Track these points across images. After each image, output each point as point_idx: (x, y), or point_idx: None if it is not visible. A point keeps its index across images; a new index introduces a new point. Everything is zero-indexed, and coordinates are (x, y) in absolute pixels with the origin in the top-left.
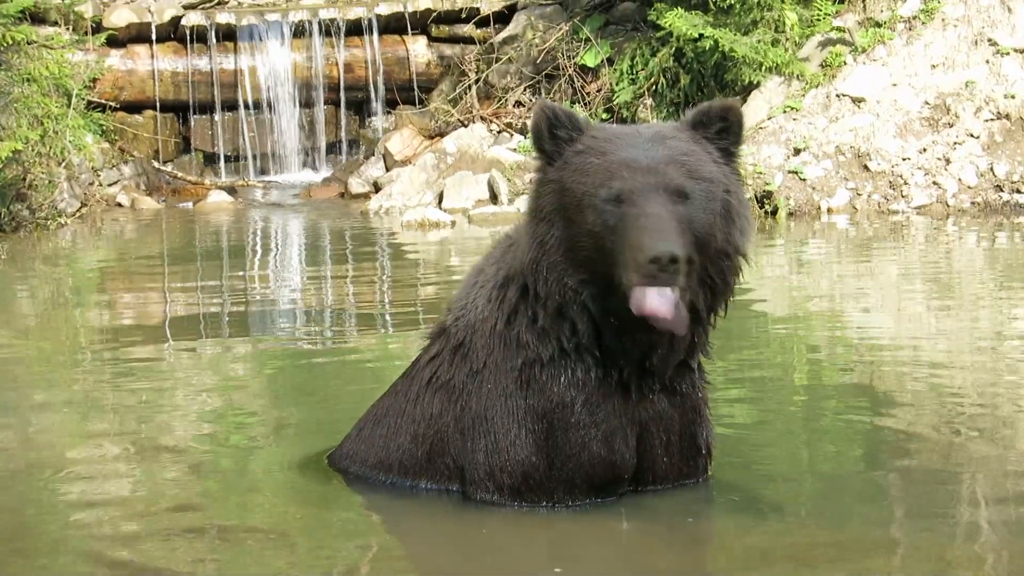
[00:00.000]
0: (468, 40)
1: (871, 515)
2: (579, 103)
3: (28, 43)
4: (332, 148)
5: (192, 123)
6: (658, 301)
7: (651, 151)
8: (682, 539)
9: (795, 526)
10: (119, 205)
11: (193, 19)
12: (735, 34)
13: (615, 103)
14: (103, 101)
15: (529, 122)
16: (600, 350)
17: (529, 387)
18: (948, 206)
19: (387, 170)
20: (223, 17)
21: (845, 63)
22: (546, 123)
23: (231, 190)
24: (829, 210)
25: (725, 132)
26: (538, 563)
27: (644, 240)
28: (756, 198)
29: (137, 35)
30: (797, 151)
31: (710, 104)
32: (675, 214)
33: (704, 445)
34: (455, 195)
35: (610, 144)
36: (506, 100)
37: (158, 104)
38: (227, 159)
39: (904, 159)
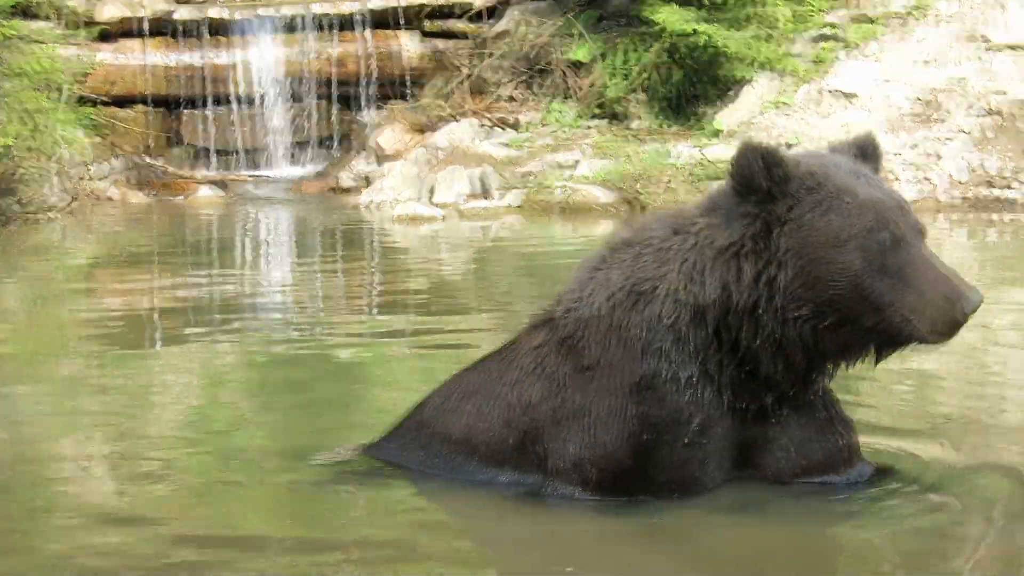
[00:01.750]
0: (460, 35)
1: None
2: (571, 98)
3: (19, 38)
4: (323, 143)
5: (182, 117)
6: None
7: (886, 188)
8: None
9: (814, 529)
10: (109, 199)
11: (184, 14)
12: (727, 29)
13: (607, 98)
14: (93, 95)
15: (733, 161)
16: (741, 378)
17: (647, 395)
18: (938, 201)
19: (378, 165)
20: (214, 12)
21: (837, 59)
22: (761, 162)
23: (221, 184)
24: None
25: (876, 163)
26: (550, 561)
27: (961, 288)
28: None
29: (128, 29)
30: (788, 146)
31: (870, 135)
32: None
33: (838, 441)
34: (446, 190)
35: (844, 180)
36: (498, 95)
37: (149, 99)
38: (217, 153)
39: (895, 154)
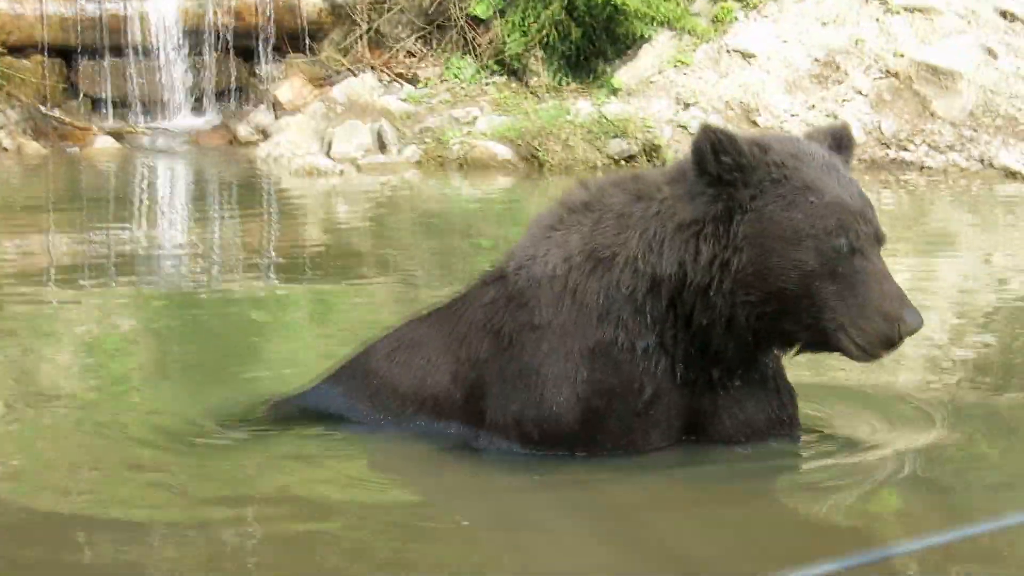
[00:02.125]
0: None
1: None
2: (470, 54)
3: None
4: (221, 95)
5: (80, 68)
6: None
7: (854, 190)
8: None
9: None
10: (4, 149)
11: None
12: None
13: (506, 55)
14: None
15: (692, 142)
16: (693, 352)
17: (601, 362)
18: None
19: (276, 118)
20: None
21: (736, 19)
22: (710, 148)
23: (118, 135)
24: None
25: (849, 154)
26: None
27: (903, 313)
28: (644, 151)
29: None
30: (686, 105)
31: (845, 126)
32: None
33: (782, 413)
34: (344, 144)
35: (813, 175)
36: (397, 50)
37: (46, 48)
38: (114, 104)
39: (792, 115)
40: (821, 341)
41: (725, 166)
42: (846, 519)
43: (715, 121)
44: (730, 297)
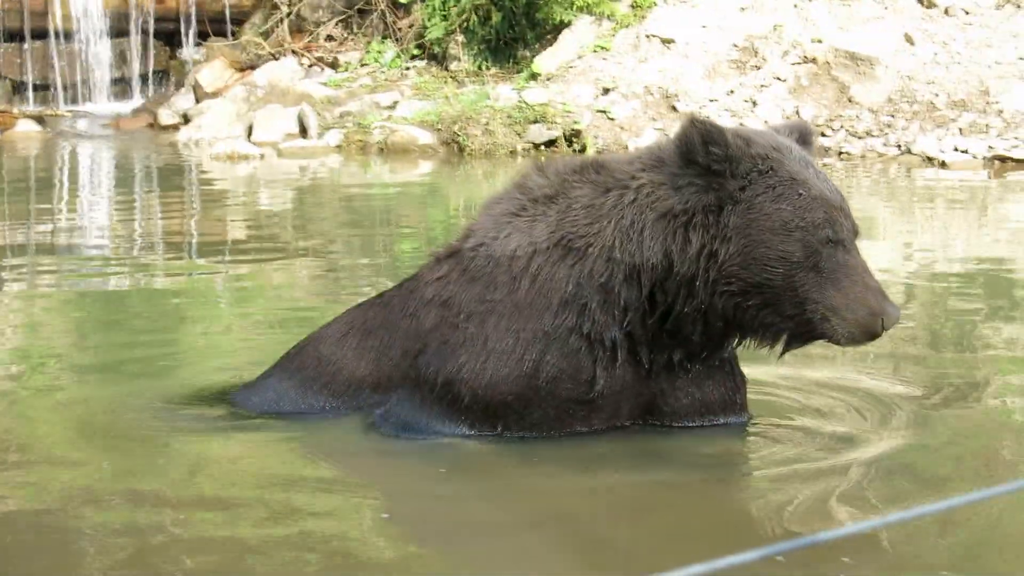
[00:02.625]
0: None
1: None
2: (390, 38)
3: None
4: (143, 79)
5: (0, 51)
6: None
7: (832, 185)
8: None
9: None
10: None
11: None
12: None
13: (426, 39)
14: None
15: (677, 133)
16: (662, 337)
17: (556, 348)
18: None
19: (197, 102)
20: None
21: (655, 4)
22: (699, 139)
23: (39, 120)
24: (636, 149)
25: (811, 149)
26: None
27: (886, 307)
28: (564, 137)
29: None
30: (606, 91)
31: (806, 122)
32: None
33: (734, 395)
34: (265, 128)
35: (797, 169)
36: (317, 34)
37: None
38: (36, 88)
39: (711, 100)
40: (804, 331)
41: (715, 156)
42: (785, 505)
43: (634, 107)
44: (712, 287)
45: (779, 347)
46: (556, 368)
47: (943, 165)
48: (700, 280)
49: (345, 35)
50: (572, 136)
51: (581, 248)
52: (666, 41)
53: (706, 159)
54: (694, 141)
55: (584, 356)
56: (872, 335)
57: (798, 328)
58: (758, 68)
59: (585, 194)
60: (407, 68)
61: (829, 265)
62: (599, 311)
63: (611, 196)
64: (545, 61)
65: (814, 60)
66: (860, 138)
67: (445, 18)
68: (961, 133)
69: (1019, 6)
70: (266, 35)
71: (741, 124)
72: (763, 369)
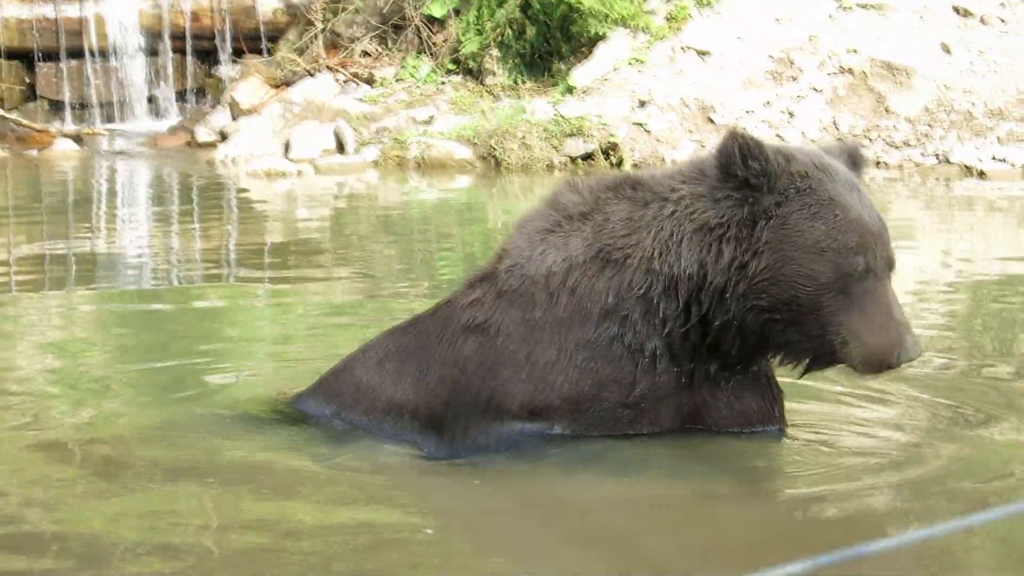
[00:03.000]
0: None
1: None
2: (426, 53)
3: None
4: (179, 97)
5: (37, 71)
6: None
7: (876, 212)
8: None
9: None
10: None
11: None
12: None
13: (462, 54)
14: None
15: (718, 147)
16: (701, 349)
17: (600, 355)
18: None
19: (234, 119)
20: None
21: (691, 16)
22: (738, 152)
23: (77, 138)
24: (673, 162)
25: (861, 171)
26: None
27: (906, 340)
28: (601, 150)
29: None
30: (642, 103)
31: (858, 145)
32: None
33: (773, 402)
34: (301, 145)
35: (838, 190)
36: (353, 50)
37: (3, 51)
38: (73, 107)
39: (748, 112)
40: (825, 354)
41: (752, 170)
42: (826, 516)
43: (671, 119)
44: (743, 301)
45: (801, 367)
46: (601, 374)
47: (981, 175)
48: (730, 292)
49: (380, 51)
50: (609, 149)
51: (619, 260)
52: (702, 53)
53: (744, 172)
54: (733, 154)
55: (626, 362)
56: (887, 366)
57: (819, 350)
58: (794, 79)
59: (622, 208)
60: (443, 83)
61: (857, 291)
62: (640, 322)
63: (651, 208)
64: (581, 74)
65: (850, 70)
66: (898, 148)
67: (480, 32)
68: (999, 142)
69: None
70: (301, 51)
71: (778, 136)
72: (800, 380)
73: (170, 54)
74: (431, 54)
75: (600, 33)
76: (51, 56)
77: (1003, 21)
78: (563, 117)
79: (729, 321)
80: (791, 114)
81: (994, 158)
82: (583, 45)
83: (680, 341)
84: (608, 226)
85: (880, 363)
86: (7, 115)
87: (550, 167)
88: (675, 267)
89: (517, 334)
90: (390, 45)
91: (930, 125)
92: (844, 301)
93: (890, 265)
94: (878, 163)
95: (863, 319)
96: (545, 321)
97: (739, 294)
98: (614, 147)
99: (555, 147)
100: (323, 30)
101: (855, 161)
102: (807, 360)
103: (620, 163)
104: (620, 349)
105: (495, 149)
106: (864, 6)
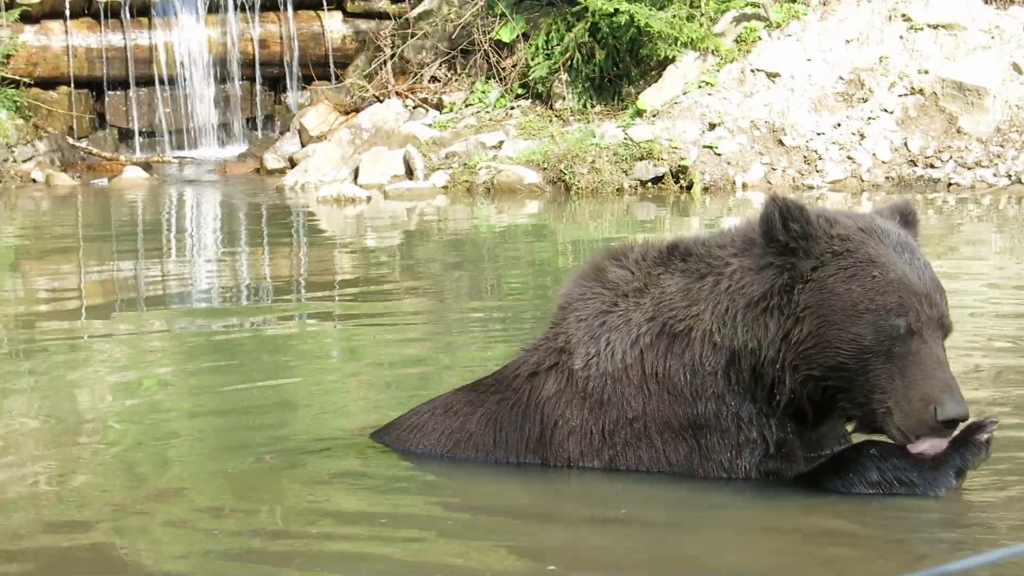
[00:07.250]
0: (383, 15)
1: None
2: (495, 78)
3: None
4: (248, 124)
5: (107, 99)
6: (929, 446)
7: (924, 273)
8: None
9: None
10: (34, 181)
11: None
12: (650, 9)
13: (530, 78)
14: (17, 77)
15: (760, 211)
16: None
17: (707, 431)
18: (862, 181)
19: (303, 146)
20: None
21: (760, 38)
22: (778, 216)
23: (146, 166)
24: (744, 185)
25: (915, 229)
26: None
27: (944, 398)
28: (671, 173)
29: (51, 10)
30: (712, 126)
31: (909, 202)
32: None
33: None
34: (371, 170)
35: (880, 251)
36: (421, 75)
37: (72, 80)
38: (142, 135)
39: (819, 134)
40: (869, 422)
41: (793, 233)
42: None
43: (741, 142)
44: (793, 372)
45: (851, 427)
46: (719, 444)
47: None
48: (779, 364)
49: (449, 76)
50: (679, 172)
51: (683, 332)
52: (771, 75)
53: (785, 236)
54: (774, 218)
55: (741, 432)
56: (925, 426)
57: (864, 418)
58: (865, 100)
59: (677, 282)
60: (512, 108)
61: (901, 354)
62: (727, 394)
63: (707, 281)
64: (650, 98)
65: (921, 91)
66: (969, 169)
67: (549, 57)
68: None
69: None
70: (370, 78)
71: (849, 157)
72: None
73: (238, 81)
74: (500, 79)
75: (669, 56)
76: (120, 84)
77: None
78: (632, 140)
79: (789, 391)
80: (862, 135)
81: None
82: (652, 68)
83: (766, 405)
84: (666, 298)
85: (919, 425)
86: (77, 144)
87: (620, 191)
88: (734, 340)
89: (631, 434)
90: (459, 70)
91: (1002, 145)
92: (888, 367)
93: (941, 326)
94: (950, 184)
95: (903, 383)
96: (649, 415)
97: (788, 365)
98: (684, 170)
99: (625, 171)
100: (392, 56)
101: (907, 220)
102: (855, 425)
103: (691, 186)
104: (724, 422)
105: (564, 173)
106: (935, 26)
